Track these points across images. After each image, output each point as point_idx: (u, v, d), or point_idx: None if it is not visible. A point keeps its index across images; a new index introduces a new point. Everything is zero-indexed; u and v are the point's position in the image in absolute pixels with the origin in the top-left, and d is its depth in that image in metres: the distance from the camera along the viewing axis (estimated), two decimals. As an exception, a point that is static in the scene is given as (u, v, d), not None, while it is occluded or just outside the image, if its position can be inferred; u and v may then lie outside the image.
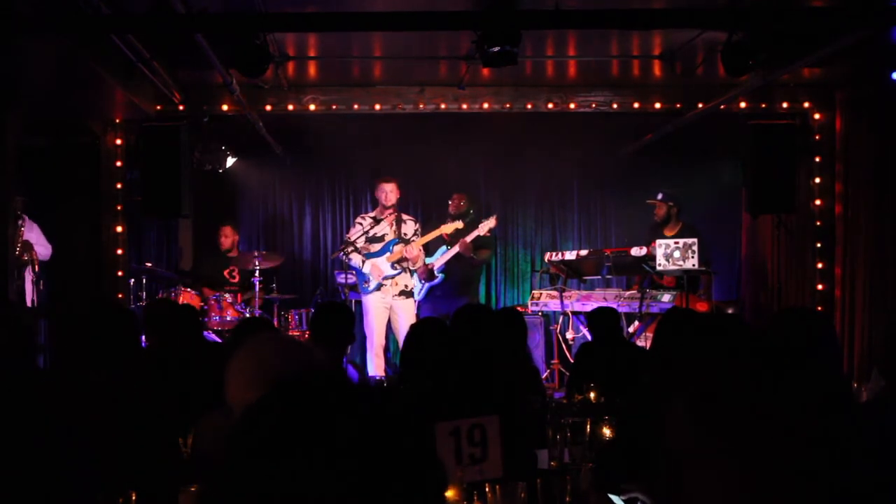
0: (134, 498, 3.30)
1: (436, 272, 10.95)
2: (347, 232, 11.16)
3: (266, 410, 1.43)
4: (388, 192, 10.63)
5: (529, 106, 10.71)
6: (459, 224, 10.86)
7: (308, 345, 2.81)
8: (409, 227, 10.83)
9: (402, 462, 1.37)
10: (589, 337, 9.37)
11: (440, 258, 10.95)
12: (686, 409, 1.97)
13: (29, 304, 9.47)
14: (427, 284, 10.98)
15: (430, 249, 10.98)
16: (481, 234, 10.88)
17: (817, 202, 10.84)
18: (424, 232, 11.25)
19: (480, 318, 5.91)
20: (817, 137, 10.82)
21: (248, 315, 10.90)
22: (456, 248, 10.87)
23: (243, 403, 2.67)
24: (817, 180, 10.84)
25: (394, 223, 10.69)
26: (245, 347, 2.78)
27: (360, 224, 10.76)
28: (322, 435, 1.35)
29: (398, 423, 1.41)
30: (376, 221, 10.66)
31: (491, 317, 6.32)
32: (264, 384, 2.64)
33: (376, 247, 10.62)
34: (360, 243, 10.58)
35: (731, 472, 1.87)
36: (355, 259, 10.57)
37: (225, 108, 10.41)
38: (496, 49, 7.61)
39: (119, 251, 10.66)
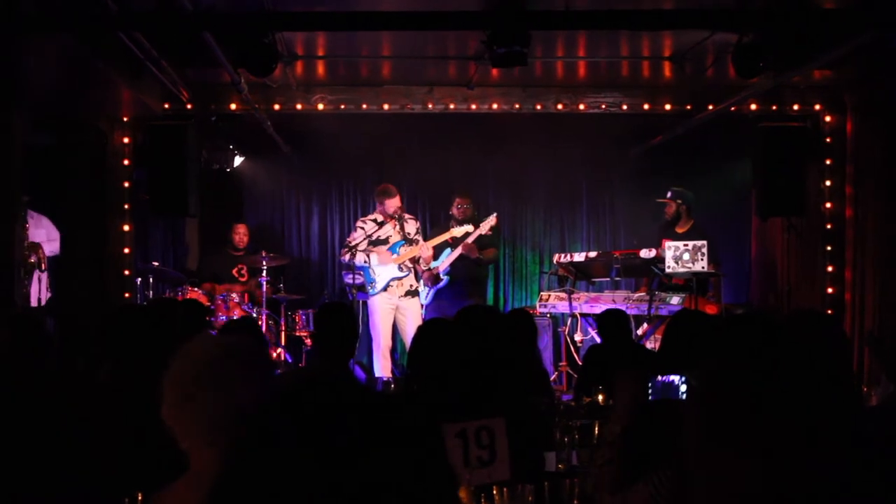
0: (140, 498, 3.30)
1: (441, 275, 10.93)
2: (350, 234, 11.14)
3: (270, 419, 1.43)
4: (395, 205, 10.63)
5: (539, 107, 10.72)
6: (469, 227, 10.82)
7: (246, 345, 2.79)
8: (412, 226, 10.83)
9: (411, 466, 1.38)
10: (597, 339, 9.36)
11: (445, 261, 10.94)
12: (696, 408, 1.97)
13: (34, 303, 9.49)
14: (433, 288, 10.96)
15: (435, 253, 10.95)
16: (483, 233, 10.85)
17: (828, 205, 10.82)
18: (431, 233, 11.26)
19: (486, 320, 5.91)
20: (828, 140, 10.81)
21: (254, 314, 10.93)
22: (459, 251, 10.85)
23: (164, 399, 2.70)
24: (828, 183, 10.83)
25: (396, 224, 10.68)
26: (180, 350, 2.79)
27: (362, 228, 10.73)
28: (327, 442, 1.36)
29: (404, 429, 1.42)
30: (379, 224, 10.65)
31: (497, 318, 6.32)
32: (179, 379, 2.67)
33: (381, 249, 10.62)
34: (363, 247, 10.58)
35: (739, 471, 1.88)
36: (360, 259, 10.57)
37: (233, 107, 10.43)
38: (505, 49, 7.61)
39: (126, 250, 10.68)
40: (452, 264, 10.95)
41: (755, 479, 1.86)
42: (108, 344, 5.03)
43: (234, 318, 10.82)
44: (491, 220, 10.89)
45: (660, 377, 3.63)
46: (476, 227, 10.89)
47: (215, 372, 2.67)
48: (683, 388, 3.60)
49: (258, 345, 5.26)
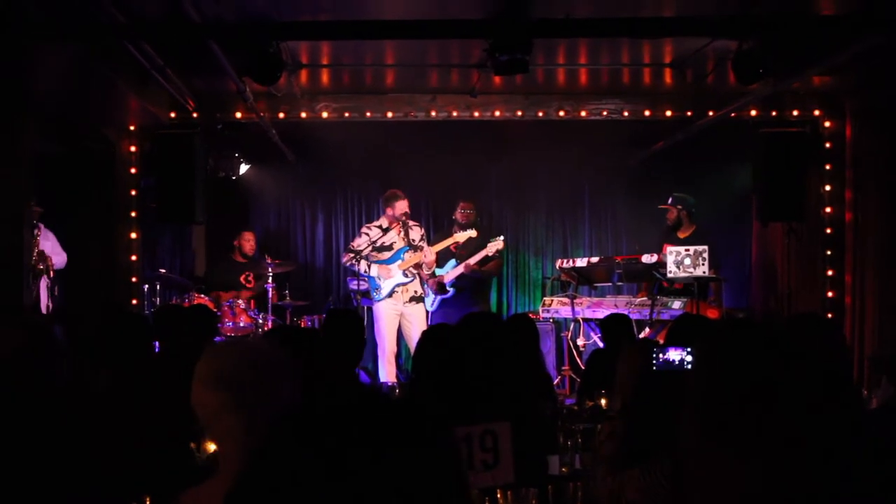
0: (147, 502, 3.30)
1: (447, 286, 10.93)
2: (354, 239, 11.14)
3: (291, 427, 1.42)
4: (405, 208, 10.63)
5: (541, 114, 10.73)
6: (473, 233, 10.84)
7: (271, 350, 2.82)
8: (416, 232, 10.83)
9: (423, 470, 1.37)
10: (599, 343, 9.35)
11: (451, 272, 10.93)
12: (694, 411, 1.97)
13: (44, 310, 9.51)
14: (438, 298, 10.96)
15: (440, 262, 10.95)
16: (489, 254, 10.87)
17: (827, 210, 10.81)
18: (434, 238, 11.26)
19: (489, 325, 5.91)
20: (828, 145, 10.80)
21: (260, 321, 10.94)
22: (461, 269, 10.86)
23: (201, 404, 2.70)
24: (827, 188, 10.82)
25: (401, 230, 10.68)
26: (206, 352, 2.81)
27: (367, 234, 10.73)
28: (353, 450, 1.35)
29: (416, 433, 1.41)
30: (384, 231, 10.65)
31: (499, 323, 6.32)
32: (219, 386, 2.67)
33: (385, 255, 10.61)
34: (367, 252, 10.58)
35: (738, 472, 1.87)
36: (362, 266, 10.56)
37: (238, 115, 10.44)
38: (508, 57, 7.62)
39: (133, 257, 10.68)
40: (457, 276, 10.97)
41: (754, 480, 1.86)
42: (107, 350, 5.03)
43: (241, 324, 10.85)
44: (498, 244, 10.89)
45: (662, 355, 3.63)
46: (480, 233, 10.90)
47: (259, 375, 2.69)
48: (689, 358, 3.60)
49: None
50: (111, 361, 4.90)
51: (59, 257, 10.00)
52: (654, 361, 3.63)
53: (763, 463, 1.85)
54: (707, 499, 1.94)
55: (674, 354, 3.66)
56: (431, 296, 10.98)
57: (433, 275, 10.88)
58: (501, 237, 11.06)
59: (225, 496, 1.52)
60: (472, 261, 10.83)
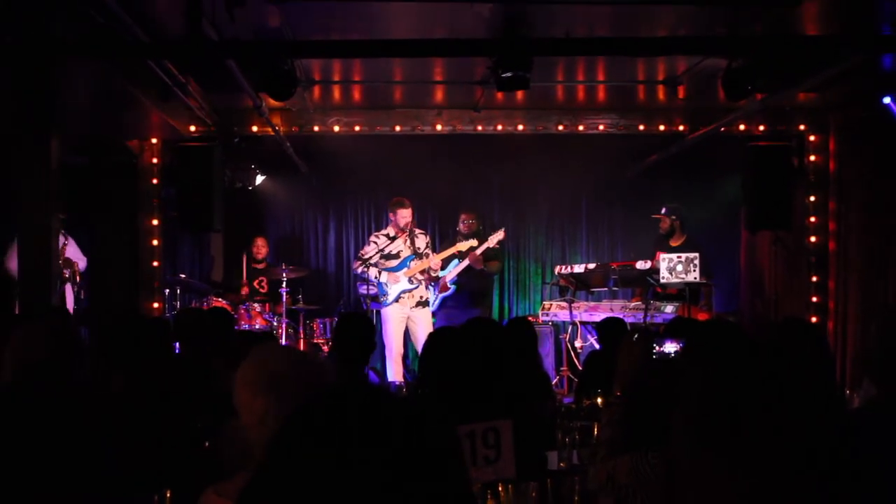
0: (169, 495, 3.30)
1: (448, 284, 10.94)
2: (363, 248, 11.19)
3: (308, 421, 1.42)
4: (407, 216, 10.66)
5: (541, 128, 10.75)
6: (474, 242, 10.85)
7: (311, 354, 2.79)
8: (422, 240, 10.88)
9: (436, 465, 1.37)
10: (596, 345, 9.35)
11: (452, 271, 10.94)
12: (685, 424, 1.96)
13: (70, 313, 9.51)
14: (441, 296, 10.97)
15: (443, 264, 10.97)
16: (490, 246, 10.86)
17: (812, 219, 10.83)
18: (440, 246, 11.28)
19: (490, 329, 5.91)
20: (812, 158, 10.82)
21: (274, 323, 10.94)
22: (466, 262, 10.86)
23: (248, 408, 2.67)
24: (812, 199, 10.83)
25: (407, 239, 10.71)
26: (251, 355, 2.76)
27: (375, 242, 10.78)
28: (360, 443, 1.35)
29: (432, 429, 1.41)
30: (391, 239, 10.69)
31: (500, 328, 6.33)
32: (268, 390, 2.64)
33: (392, 263, 10.66)
34: (375, 259, 10.61)
35: (731, 479, 1.87)
36: (372, 273, 10.61)
37: (254, 129, 10.46)
38: (509, 74, 7.63)
39: (155, 263, 10.70)
40: (459, 275, 10.97)
41: (750, 489, 1.85)
42: (125, 351, 5.02)
43: (257, 327, 10.85)
44: (499, 234, 10.91)
45: (659, 346, 3.66)
46: (481, 241, 10.90)
47: (302, 377, 2.66)
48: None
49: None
50: (129, 362, 4.90)
51: (81, 262, 10.01)
52: (653, 350, 3.66)
53: (758, 473, 1.84)
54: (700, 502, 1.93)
55: (670, 347, 3.69)
56: (434, 294, 10.99)
57: (437, 277, 10.90)
58: (502, 229, 11.07)
59: (240, 495, 1.52)
60: (479, 251, 10.81)
